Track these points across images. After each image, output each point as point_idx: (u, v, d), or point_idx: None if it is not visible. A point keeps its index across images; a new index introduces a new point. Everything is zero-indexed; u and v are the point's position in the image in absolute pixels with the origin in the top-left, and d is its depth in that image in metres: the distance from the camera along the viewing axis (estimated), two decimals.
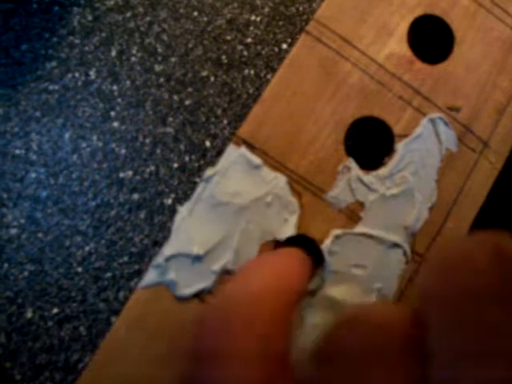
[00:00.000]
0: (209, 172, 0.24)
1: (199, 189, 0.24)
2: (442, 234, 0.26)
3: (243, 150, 0.25)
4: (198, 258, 0.24)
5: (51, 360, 0.28)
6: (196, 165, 0.28)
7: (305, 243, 0.25)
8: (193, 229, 0.24)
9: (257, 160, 0.25)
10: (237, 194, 0.24)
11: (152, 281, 0.24)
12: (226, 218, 0.24)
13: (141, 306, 0.24)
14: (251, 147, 0.25)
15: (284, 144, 0.25)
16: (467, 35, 0.27)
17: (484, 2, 0.27)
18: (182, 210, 0.24)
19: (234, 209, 0.24)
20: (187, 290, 0.24)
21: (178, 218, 0.24)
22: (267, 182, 0.25)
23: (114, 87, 0.29)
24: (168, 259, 0.24)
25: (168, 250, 0.24)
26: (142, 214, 0.28)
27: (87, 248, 0.28)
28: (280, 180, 0.25)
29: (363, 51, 0.26)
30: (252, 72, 0.29)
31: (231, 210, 0.24)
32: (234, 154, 0.25)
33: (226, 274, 0.24)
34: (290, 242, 0.25)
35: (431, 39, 0.27)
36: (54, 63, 0.29)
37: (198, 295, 0.24)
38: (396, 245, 0.25)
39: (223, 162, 0.25)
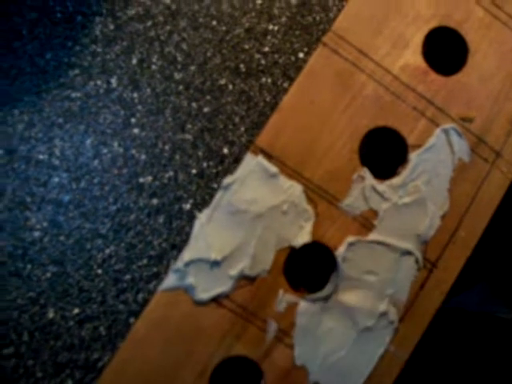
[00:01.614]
0: (227, 180, 0.25)
1: (218, 196, 0.25)
2: (453, 242, 0.27)
3: (260, 158, 0.25)
4: (216, 264, 0.25)
5: (72, 358, 0.29)
6: (214, 171, 0.29)
7: (319, 250, 0.26)
8: (211, 235, 0.25)
9: (273, 169, 0.25)
10: (254, 201, 0.25)
11: (171, 285, 0.25)
12: (243, 224, 0.25)
13: (160, 308, 0.25)
14: (268, 156, 0.25)
15: (300, 153, 0.26)
16: (481, 47, 0.27)
17: (499, 14, 0.28)
18: (201, 217, 0.25)
19: (251, 216, 0.25)
20: (205, 295, 0.25)
21: (196, 224, 0.25)
22: (283, 191, 0.25)
23: (135, 95, 0.30)
24: (187, 264, 0.25)
25: (187, 255, 0.25)
26: (161, 219, 0.29)
27: (107, 251, 0.29)
28: (296, 188, 0.25)
29: (378, 62, 0.26)
30: (269, 80, 0.30)
31: (248, 217, 0.25)
32: (251, 162, 0.25)
33: (243, 278, 0.25)
34: (305, 249, 0.26)
35: (445, 51, 0.27)
36: (76, 71, 0.29)
37: (216, 299, 0.25)
38: (408, 252, 0.26)
39: (241, 170, 0.25)
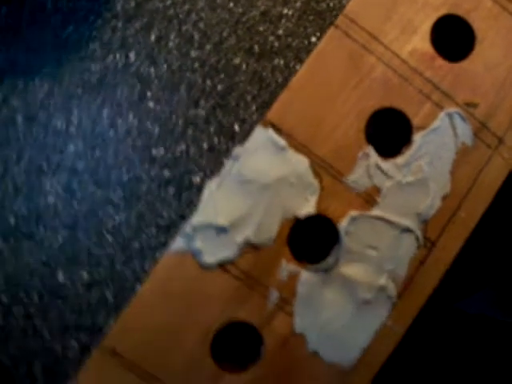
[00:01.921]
0: (237, 150, 0.26)
1: (228, 166, 0.26)
2: (453, 222, 0.28)
3: (270, 132, 0.26)
4: (222, 230, 0.26)
5: (78, 322, 0.30)
6: (224, 146, 0.30)
7: (323, 223, 0.27)
8: (219, 202, 0.26)
9: (282, 142, 0.26)
10: (262, 172, 0.26)
11: (179, 248, 0.26)
12: (250, 194, 0.26)
13: (167, 270, 0.26)
14: (278, 130, 0.26)
15: (308, 129, 0.27)
16: (488, 35, 0.28)
17: (508, 6, 0.29)
18: (211, 184, 0.26)
19: (259, 186, 0.26)
20: (211, 259, 0.26)
21: (206, 191, 0.26)
22: (291, 164, 0.26)
23: (152, 70, 0.31)
24: (195, 229, 0.26)
25: (195, 220, 0.26)
26: (171, 190, 0.30)
27: (118, 218, 0.30)
28: (303, 162, 0.26)
29: (387, 46, 0.27)
30: (282, 62, 0.31)
31: (256, 186, 0.26)
32: (261, 135, 0.26)
33: (248, 246, 0.26)
34: (309, 220, 0.27)
35: (453, 38, 0.28)
36: (96, 45, 0.31)
37: (221, 265, 0.26)
38: (409, 230, 0.27)
39: (251, 142, 0.26)
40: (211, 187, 0.26)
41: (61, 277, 0.30)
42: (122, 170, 0.30)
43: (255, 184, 0.26)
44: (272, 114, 0.26)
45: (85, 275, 0.30)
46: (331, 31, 0.27)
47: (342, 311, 0.27)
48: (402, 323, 0.27)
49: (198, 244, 0.26)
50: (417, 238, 0.27)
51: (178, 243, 0.26)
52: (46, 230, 0.30)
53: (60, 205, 0.30)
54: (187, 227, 0.26)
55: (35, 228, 0.30)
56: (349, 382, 0.27)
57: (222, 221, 0.26)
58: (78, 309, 0.30)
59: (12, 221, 0.30)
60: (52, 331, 0.29)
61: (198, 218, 0.26)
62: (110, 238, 0.30)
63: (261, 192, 0.26)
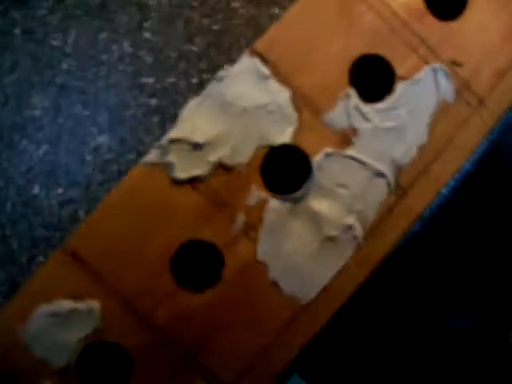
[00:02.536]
0: (221, 73, 0.27)
1: (210, 86, 0.27)
2: (426, 174, 0.28)
3: (256, 60, 0.27)
4: (198, 146, 0.26)
5: (47, 236, 0.30)
6: None
7: (296, 155, 0.27)
8: (198, 120, 0.26)
9: (266, 71, 0.27)
10: (243, 97, 0.27)
11: (152, 159, 0.26)
12: (229, 116, 0.27)
13: (138, 180, 0.26)
14: (264, 60, 0.27)
15: (294, 63, 0.27)
16: None
17: None
18: (192, 102, 0.27)
19: (239, 109, 0.27)
20: (183, 174, 0.26)
21: (186, 108, 0.26)
22: (272, 93, 0.27)
23: (153, 2, 0.32)
24: (171, 142, 0.26)
25: (172, 134, 0.26)
26: (156, 119, 0.31)
27: (100, 139, 0.30)
28: (284, 93, 0.27)
29: None
30: (279, 12, 0.32)
31: (236, 110, 0.27)
32: (247, 62, 0.27)
33: (220, 166, 0.26)
34: (283, 150, 0.27)
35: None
36: None
37: (192, 181, 0.26)
38: (381, 174, 0.27)
39: (236, 67, 0.27)
40: (192, 104, 0.26)
41: (36, 190, 0.30)
42: (110, 93, 0.30)
43: (235, 107, 0.26)
44: (260, 44, 0.27)
45: (60, 191, 0.30)
46: None
47: (306, 244, 0.27)
48: (365, 267, 0.27)
49: (172, 158, 0.26)
50: (388, 184, 0.27)
51: (151, 155, 0.26)
52: (29, 141, 0.30)
53: (45, 119, 0.30)
54: (163, 140, 0.26)
55: (18, 139, 0.30)
56: (303, 317, 0.27)
57: (198, 138, 0.26)
58: (49, 224, 0.30)
59: None
60: (20, 242, 0.30)
61: (175, 133, 0.26)
62: (89, 158, 0.30)
63: (239, 116, 0.26)
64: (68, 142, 0.30)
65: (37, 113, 0.30)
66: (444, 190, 0.31)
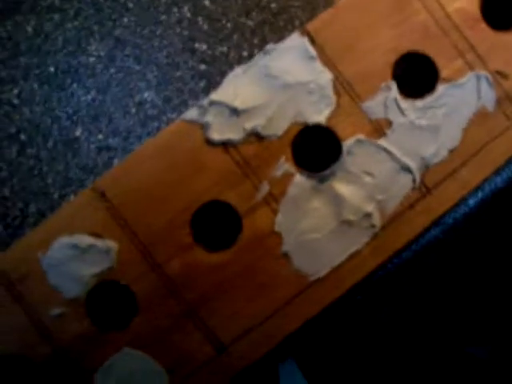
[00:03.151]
0: (270, 46, 0.28)
1: (257, 57, 0.28)
2: (454, 178, 0.28)
3: (305, 39, 0.28)
4: (236, 111, 0.27)
5: (81, 178, 0.32)
6: None
7: (328, 136, 0.28)
8: (241, 87, 0.27)
9: (313, 52, 0.28)
10: (287, 72, 0.28)
11: (191, 117, 0.27)
12: (271, 88, 0.27)
13: (173, 135, 0.27)
14: (312, 41, 0.28)
15: (341, 48, 0.28)
16: None
17: None
18: (238, 69, 0.28)
19: (281, 83, 0.27)
20: (217, 136, 0.27)
21: (232, 73, 0.27)
22: (315, 73, 0.28)
23: None
24: (211, 103, 0.27)
25: (214, 96, 0.27)
26: (202, 84, 0.32)
27: (146, 95, 0.32)
28: (327, 75, 0.28)
29: None
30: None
31: (278, 83, 0.27)
32: (296, 40, 0.28)
33: (254, 135, 0.27)
34: (316, 129, 0.28)
35: (504, 9, 0.29)
36: None
37: (225, 144, 0.27)
38: (408, 169, 0.28)
39: (285, 43, 0.28)
40: (237, 71, 0.27)
41: (78, 132, 0.31)
42: (163, 52, 0.32)
43: (278, 80, 0.27)
44: (312, 25, 0.28)
45: (100, 137, 0.31)
46: None
47: (323, 224, 0.27)
48: (377, 257, 0.28)
49: (210, 118, 0.27)
50: (414, 180, 0.28)
51: (191, 112, 0.27)
52: (79, 85, 0.32)
53: (98, 67, 0.32)
54: (204, 101, 0.27)
55: (69, 82, 0.32)
56: (309, 294, 0.27)
57: (238, 103, 0.27)
58: (84, 166, 0.31)
59: (52, 70, 0.32)
60: (55, 179, 0.31)
61: (216, 95, 0.27)
62: (133, 110, 0.32)
63: (281, 89, 0.27)
64: (116, 93, 0.32)
65: (91, 60, 0.32)
66: (470, 201, 0.32)
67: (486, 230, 0.39)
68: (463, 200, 0.30)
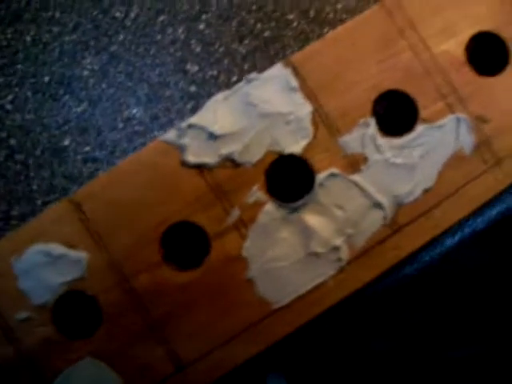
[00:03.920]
0: (253, 75, 0.28)
1: (240, 85, 0.28)
2: (426, 218, 0.28)
3: (288, 70, 0.28)
4: (213, 136, 0.28)
5: (65, 186, 0.32)
6: None
7: (302, 167, 0.28)
8: (221, 112, 0.28)
9: (295, 83, 0.28)
10: (267, 102, 0.28)
11: (169, 138, 0.28)
12: (249, 116, 0.28)
13: (150, 154, 0.28)
14: (296, 72, 0.28)
15: (323, 81, 0.28)
16: None
17: None
18: (219, 95, 0.28)
19: (260, 112, 0.28)
20: (193, 159, 0.28)
21: (213, 98, 0.28)
22: (295, 104, 0.28)
23: None
24: (190, 126, 0.28)
25: (193, 119, 0.28)
26: (190, 105, 0.32)
27: (135, 111, 0.32)
28: (306, 107, 0.28)
29: (423, 39, 0.29)
30: (328, 32, 0.33)
31: (257, 111, 0.28)
32: (279, 70, 0.28)
33: (229, 160, 0.28)
34: (291, 159, 0.28)
35: (489, 55, 0.30)
36: None
37: (200, 167, 0.28)
38: (380, 206, 0.28)
39: (268, 73, 0.28)
40: (218, 97, 0.28)
41: (67, 142, 0.32)
42: (155, 71, 0.33)
43: (257, 109, 0.28)
44: (296, 56, 0.28)
45: (87, 149, 0.32)
46: (377, 7, 0.29)
47: (290, 253, 0.28)
48: (343, 290, 0.28)
49: (187, 141, 0.28)
50: (385, 217, 0.28)
51: (169, 134, 0.28)
52: (71, 98, 0.33)
53: (91, 81, 0.33)
54: (183, 123, 0.28)
55: (62, 93, 0.33)
56: (270, 322, 0.28)
57: (216, 128, 0.28)
58: (69, 175, 0.32)
59: (46, 79, 0.33)
60: (40, 185, 0.32)
61: (195, 119, 0.28)
62: (121, 125, 0.32)
63: (259, 118, 0.28)
64: (106, 107, 0.32)
65: (85, 73, 0.33)
66: (448, 241, 0.32)
67: (464, 269, 0.39)
68: (440, 240, 0.31)
